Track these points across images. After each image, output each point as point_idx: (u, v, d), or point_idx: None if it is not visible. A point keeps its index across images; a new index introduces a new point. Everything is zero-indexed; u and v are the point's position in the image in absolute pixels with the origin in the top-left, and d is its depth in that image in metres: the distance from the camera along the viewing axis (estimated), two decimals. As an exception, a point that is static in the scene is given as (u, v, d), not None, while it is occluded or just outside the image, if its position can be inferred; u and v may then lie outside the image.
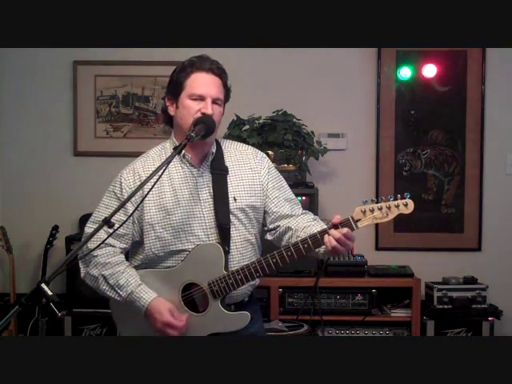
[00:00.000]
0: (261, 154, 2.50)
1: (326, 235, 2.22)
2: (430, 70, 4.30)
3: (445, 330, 3.91)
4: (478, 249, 4.34)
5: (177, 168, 2.37)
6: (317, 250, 2.28)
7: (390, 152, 4.33)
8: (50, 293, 1.81)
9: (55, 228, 4.10)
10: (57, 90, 4.39)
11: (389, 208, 2.21)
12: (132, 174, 2.38)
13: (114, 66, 4.35)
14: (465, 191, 4.33)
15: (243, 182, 2.41)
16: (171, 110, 2.39)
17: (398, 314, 3.93)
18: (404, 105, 4.33)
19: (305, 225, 2.38)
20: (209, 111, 2.29)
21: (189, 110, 2.31)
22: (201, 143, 2.33)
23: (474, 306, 3.94)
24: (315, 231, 2.27)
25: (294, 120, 4.02)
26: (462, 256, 4.32)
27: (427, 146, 4.33)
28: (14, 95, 4.40)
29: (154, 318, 2.30)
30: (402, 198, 2.21)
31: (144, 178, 2.32)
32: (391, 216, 2.22)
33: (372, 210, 2.21)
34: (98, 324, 3.91)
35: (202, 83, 2.31)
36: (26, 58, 4.34)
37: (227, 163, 2.41)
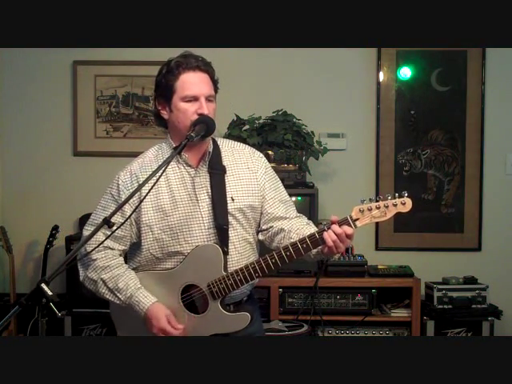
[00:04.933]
0: (258, 153, 2.49)
1: (326, 232, 2.20)
2: (429, 70, 4.30)
3: (445, 330, 3.91)
4: (478, 249, 4.34)
5: (173, 169, 2.35)
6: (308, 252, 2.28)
7: (389, 152, 4.33)
8: (50, 293, 1.81)
9: (55, 228, 4.09)
10: (57, 90, 4.39)
11: (387, 207, 2.20)
12: (129, 175, 2.37)
13: (114, 66, 4.35)
14: (465, 191, 4.33)
15: (241, 182, 2.39)
16: (164, 114, 2.36)
17: (398, 313, 3.93)
18: (404, 105, 4.33)
19: (298, 227, 2.38)
20: (204, 111, 2.28)
21: (185, 112, 2.30)
22: (198, 143, 2.31)
23: (473, 305, 3.93)
24: (308, 233, 2.26)
25: (294, 120, 4.02)
26: (461, 256, 4.32)
27: (427, 146, 4.33)
28: (13, 95, 4.40)
29: (151, 323, 2.30)
30: (400, 196, 2.21)
31: (141, 179, 2.31)
32: (389, 215, 2.21)
33: (370, 209, 2.20)
34: (98, 324, 3.91)
35: (193, 83, 2.29)
36: (25, 58, 4.34)
37: (224, 162, 2.39)
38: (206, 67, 2.33)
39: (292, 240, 2.29)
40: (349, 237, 2.21)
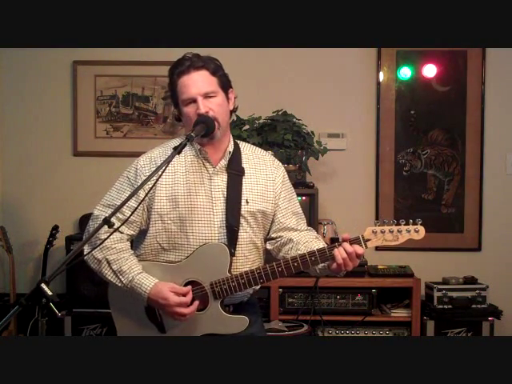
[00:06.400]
0: (277, 162, 2.52)
1: (337, 248, 2.23)
2: (430, 70, 4.30)
3: (445, 330, 3.91)
4: (478, 249, 4.34)
5: (193, 162, 2.38)
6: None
7: (389, 152, 4.33)
8: (50, 293, 1.81)
9: (55, 228, 4.10)
10: (57, 90, 4.40)
11: (400, 232, 2.23)
12: (149, 162, 2.38)
13: (114, 66, 4.35)
14: (465, 191, 4.33)
15: (257, 187, 2.41)
16: (182, 117, 2.41)
17: (398, 313, 3.93)
18: (404, 105, 4.33)
19: (307, 239, 2.41)
20: (201, 110, 2.29)
21: (188, 116, 2.33)
22: (217, 140, 2.35)
23: (474, 305, 3.94)
24: (317, 247, 2.29)
25: (294, 120, 4.02)
26: (461, 256, 4.32)
27: (427, 146, 4.33)
28: (14, 95, 4.40)
29: (160, 304, 2.28)
30: (414, 223, 2.24)
31: None
32: (401, 240, 2.25)
33: (383, 232, 2.23)
34: (98, 324, 3.91)
35: (187, 86, 2.31)
36: (26, 58, 4.34)
37: (244, 165, 2.42)
38: (201, 63, 2.32)
39: (300, 252, 2.32)
40: (358, 256, 2.23)
